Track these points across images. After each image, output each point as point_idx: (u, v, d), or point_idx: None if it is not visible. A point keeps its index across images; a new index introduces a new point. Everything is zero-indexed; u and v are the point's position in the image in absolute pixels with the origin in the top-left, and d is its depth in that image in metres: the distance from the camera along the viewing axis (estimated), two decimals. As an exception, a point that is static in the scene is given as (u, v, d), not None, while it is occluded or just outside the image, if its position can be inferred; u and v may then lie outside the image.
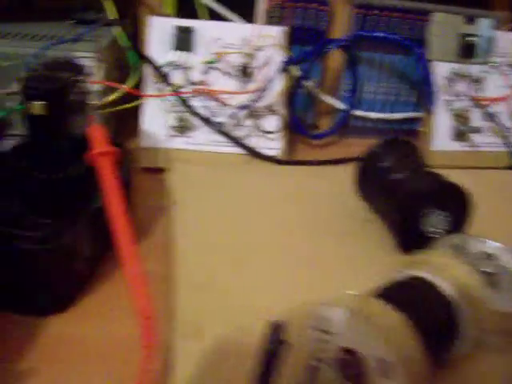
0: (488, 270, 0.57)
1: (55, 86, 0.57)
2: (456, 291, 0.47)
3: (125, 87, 0.80)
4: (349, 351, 0.43)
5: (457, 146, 0.95)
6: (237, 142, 0.84)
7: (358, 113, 1.00)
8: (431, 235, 0.65)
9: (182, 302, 0.57)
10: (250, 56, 0.85)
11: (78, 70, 0.63)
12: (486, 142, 0.97)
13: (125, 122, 0.91)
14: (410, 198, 0.66)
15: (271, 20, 0.92)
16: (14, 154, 0.62)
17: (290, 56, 0.89)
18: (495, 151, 0.97)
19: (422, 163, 0.72)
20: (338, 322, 0.44)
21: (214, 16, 0.90)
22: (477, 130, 0.94)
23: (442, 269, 0.48)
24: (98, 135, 0.57)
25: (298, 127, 0.94)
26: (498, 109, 0.97)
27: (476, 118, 0.96)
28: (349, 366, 0.43)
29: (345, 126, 1.01)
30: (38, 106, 0.56)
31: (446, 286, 0.48)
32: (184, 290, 0.59)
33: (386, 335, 0.41)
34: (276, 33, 0.86)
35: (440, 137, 0.94)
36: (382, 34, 0.89)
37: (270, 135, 0.85)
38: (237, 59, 0.85)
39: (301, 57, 0.89)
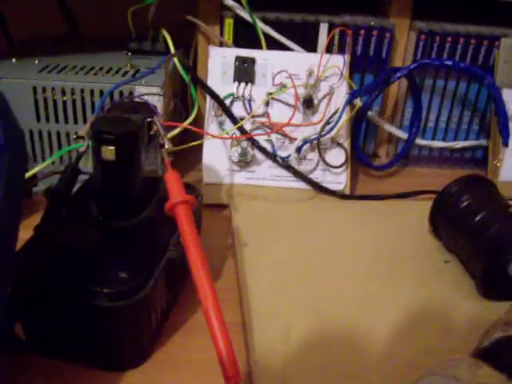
0: None
1: (128, 130, 0.55)
2: None
3: (186, 126, 0.77)
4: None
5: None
6: (301, 176, 0.81)
7: (421, 141, 0.96)
8: (518, 281, 0.62)
9: (260, 353, 0.54)
10: (313, 86, 0.82)
11: (149, 110, 0.60)
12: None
13: (187, 158, 0.89)
14: (498, 241, 0.63)
15: (332, 49, 0.89)
16: (82, 197, 0.60)
17: (354, 86, 0.86)
18: None
19: (504, 203, 0.68)
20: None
21: (274, 46, 0.88)
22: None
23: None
24: (175, 183, 0.54)
25: (361, 158, 0.91)
26: None
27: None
28: None
29: (407, 156, 0.98)
30: (109, 152, 0.54)
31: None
32: (260, 339, 0.56)
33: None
34: (339, 62, 0.83)
35: (509, 167, 0.90)
36: (449, 62, 0.85)
37: (334, 169, 0.82)
38: (300, 90, 0.82)
39: (368, 88, 0.86)
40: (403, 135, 0.95)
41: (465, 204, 0.68)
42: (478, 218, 0.66)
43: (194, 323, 0.60)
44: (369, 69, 0.92)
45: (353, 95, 0.81)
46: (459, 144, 0.97)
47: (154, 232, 0.58)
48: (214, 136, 0.79)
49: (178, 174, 0.55)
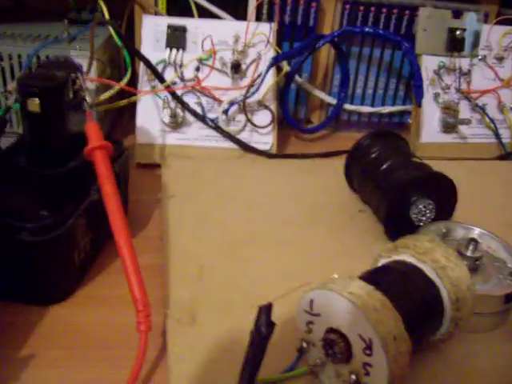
0: (470, 254, 0.59)
1: (52, 84, 0.59)
2: (437, 273, 0.49)
3: (119, 84, 0.81)
4: (334, 331, 0.45)
5: (446, 138, 0.97)
6: (229, 136, 0.86)
7: (349, 107, 1.02)
8: (418, 223, 0.67)
9: (175, 290, 0.59)
10: (242, 53, 0.87)
11: (74, 68, 0.65)
12: (475, 133, 0.99)
13: (121, 119, 0.93)
14: (397, 187, 0.68)
15: (261, 17, 0.94)
16: (13, 151, 0.64)
17: (281, 52, 0.91)
18: (484, 142, 1.00)
19: (408, 154, 0.74)
20: (323, 304, 0.46)
21: (206, 14, 0.92)
22: (465, 122, 0.96)
23: (424, 252, 0.50)
24: (94, 131, 0.59)
25: (290, 121, 0.96)
26: (486, 101, 0.99)
27: (465, 110, 0.98)
28: (335, 344, 0.45)
29: (337, 120, 1.03)
30: (34, 104, 0.58)
31: (427, 269, 0.50)
32: (176, 278, 0.61)
33: (366, 314, 0.42)
34: (266, 29, 0.88)
35: (429, 129, 0.96)
36: (369, 29, 0.90)
37: (261, 130, 0.87)
38: (228, 56, 0.87)
39: (291, 53, 0.91)
40: (332, 100, 1.00)
41: (374, 155, 0.73)
42: (384, 166, 0.71)
43: (117, 266, 0.64)
44: (297, 37, 0.96)
45: (276, 60, 0.86)
46: (386, 109, 1.03)
47: (79, 180, 0.62)
48: (145, 92, 0.84)
49: (98, 125, 0.60)
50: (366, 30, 0.91)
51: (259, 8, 0.93)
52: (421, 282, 0.49)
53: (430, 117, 0.96)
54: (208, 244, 0.67)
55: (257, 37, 0.88)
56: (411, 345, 0.44)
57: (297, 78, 0.98)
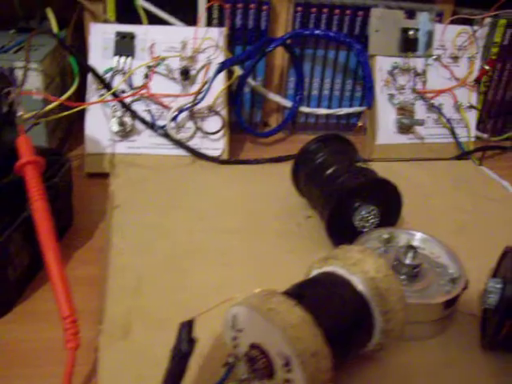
0: (409, 261, 0.59)
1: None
2: (367, 285, 0.49)
3: (56, 99, 0.80)
4: (256, 347, 0.45)
5: (402, 139, 0.97)
6: (179, 144, 0.85)
7: (306, 109, 1.01)
8: (361, 229, 0.66)
9: (110, 304, 0.58)
10: (191, 59, 0.86)
11: (6, 81, 0.64)
12: (432, 133, 0.99)
13: (73, 129, 0.92)
14: (338, 194, 0.67)
15: (212, 22, 0.93)
16: None
17: (231, 56, 0.90)
18: (441, 142, 0.99)
19: (354, 159, 0.73)
20: (245, 320, 0.45)
21: (156, 20, 0.91)
22: (421, 123, 0.95)
23: (354, 263, 0.50)
24: (24, 146, 0.58)
25: (243, 126, 0.96)
26: (442, 100, 0.99)
27: (420, 111, 0.97)
28: (256, 361, 0.44)
29: (294, 122, 1.03)
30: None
31: (357, 280, 0.49)
32: (113, 291, 0.60)
33: (284, 331, 0.42)
34: (215, 34, 0.87)
35: (385, 130, 0.95)
36: (319, 32, 0.90)
37: (212, 136, 0.87)
38: (177, 62, 0.86)
39: (240, 57, 0.90)
40: (287, 103, 1.00)
41: (319, 160, 0.73)
42: (329, 171, 0.70)
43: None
44: (250, 41, 0.96)
45: (223, 65, 0.85)
46: (343, 111, 1.02)
47: (14, 195, 0.61)
48: (87, 104, 0.83)
49: (29, 139, 0.59)
50: (316, 32, 0.90)
51: (210, 13, 0.92)
52: (349, 295, 0.49)
53: (386, 118, 0.95)
54: (149, 255, 0.66)
55: (207, 42, 0.87)
56: (332, 361, 0.43)
57: (251, 81, 0.97)
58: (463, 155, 0.99)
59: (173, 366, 0.43)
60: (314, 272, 0.53)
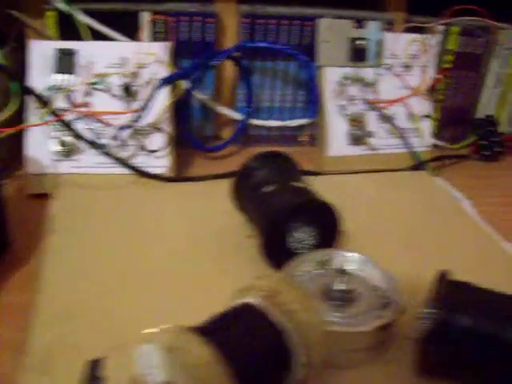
0: (340, 287, 0.57)
1: None
2: (283, 317, 0.47)
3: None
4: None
5: (354, 150, 0.95)
6: (122, 162, 0.84)
7: (257, 122, 1.00)
8: (296, 251, 0.65)
9: (34, 334, 0.56)
10: (133, 75, 0.85)
11: None
12: (386, 144, 0.98)
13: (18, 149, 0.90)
14: (276, 213, 0.66)
15: (156, 36, 0.91)
16: None
17: (175, 71, 0.88)
18: (395, 153, 0.98)
19: (293, 177, 0.72)
20: (150, 360, 0.44)
21: (99, 36, 0.90)
22: (373, 134, 0.94)
23: (269, 295, 0.48)
24: None
25: (192, 141, 0.94)
26: (394, 110, 0.97)
27: (372, 121, 0.96)
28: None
29: (246, 135, 1.01)
30: None
31: (273, 313, 0.48)
32: (39, 321, 0.58)
33: (190, 371, 0.40)
34: (158, 49, 0.86)
35: (336, 142, 0.94)
36: (264, 44, 0.88)
37: (155, 153, 0.85)
38: (119, 79, 0.84)
39: (182, 72, 0.89)
40: (238, 116, 0.98)
41: (258, 179, 0.71)
42: (265, 190, 0.69)
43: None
44: (196, 54, 0.94)
45: (164, 80, 0.84)
46: (294, 122, 1.01)
47: None
48: (22, 127, 0.81)
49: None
50: (261, 45, 0.89)
51: (154, 27, 0.91)
52: (263, 329, 0.47)
53: (337, 129, 0.94)
54: (84, 282, 0.64)
55: (150, 57, 0.86)
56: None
57: (199, 95, 0.95)
58: (419, 165, 0.97)
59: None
60: (235, 302, 0.52)
